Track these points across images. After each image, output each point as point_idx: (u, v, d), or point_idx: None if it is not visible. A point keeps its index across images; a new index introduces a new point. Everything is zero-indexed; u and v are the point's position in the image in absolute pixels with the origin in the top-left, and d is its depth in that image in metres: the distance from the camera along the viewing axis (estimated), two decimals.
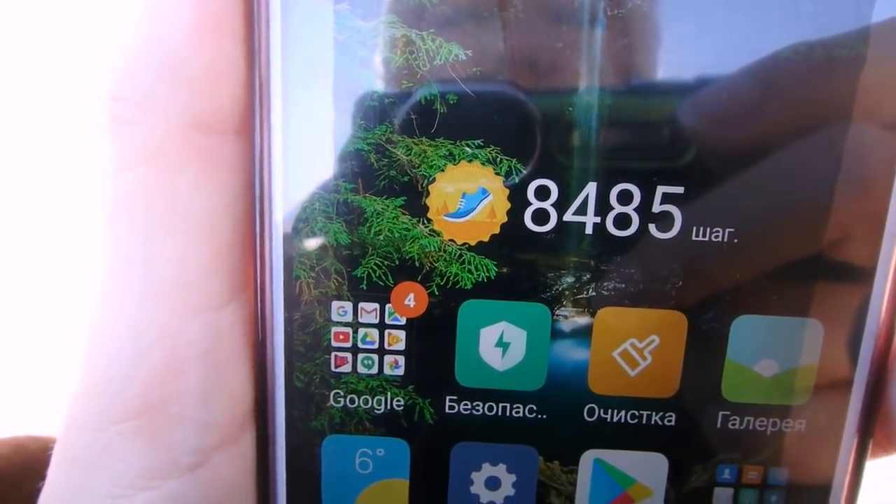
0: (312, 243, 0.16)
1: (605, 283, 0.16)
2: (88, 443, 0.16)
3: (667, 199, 0.16)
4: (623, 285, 0.16)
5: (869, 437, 0.17)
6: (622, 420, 0.17)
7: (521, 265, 0.16)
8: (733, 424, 0.17)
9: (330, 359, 0.17)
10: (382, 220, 0.16)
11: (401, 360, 0.17)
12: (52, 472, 0.16)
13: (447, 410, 0.17)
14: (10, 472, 0.29)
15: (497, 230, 0.16)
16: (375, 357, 0.17)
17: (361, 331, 0.17)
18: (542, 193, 0.16)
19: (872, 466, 0.17)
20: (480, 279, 0.16)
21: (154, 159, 0.15)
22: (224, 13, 0.14)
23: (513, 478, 0.17)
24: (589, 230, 0.16)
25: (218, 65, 0.14)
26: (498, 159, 0.16)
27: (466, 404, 0.17)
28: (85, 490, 0.16)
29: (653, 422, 0.17)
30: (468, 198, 0.16)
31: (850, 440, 0.17)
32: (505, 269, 0.16)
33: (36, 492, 0.17)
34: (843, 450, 0.17)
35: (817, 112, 0.15)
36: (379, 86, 0.15)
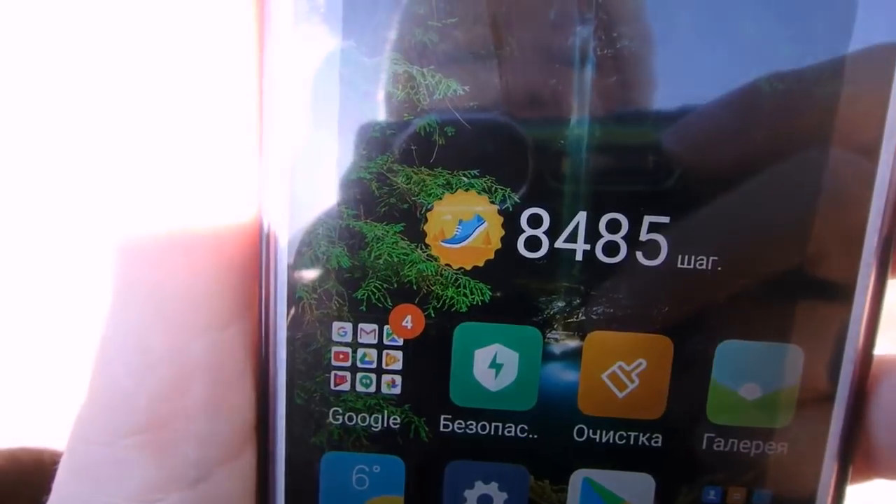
0: (315, 266, 0.17)
1: (594, 308, 0.17)
2: (94, 456, 0.16)
3: (653, 228, 0.16)
4: (612, 310, 0.17)
5: (849, 459, 0.17)
6: (611, 441, 0.18)
7: (514, 290, 0.17)
8: (718, 446, 0.17)
9: (330, 377, 0.17)
10: (382, 245, 0.17)
11: (398, 379, 0.17)
12: (57, 485, 0.17)
13: (442, 429, 0.18)
14: (4, 483, 0.29)
15: (491, 256, 0.17)
16: (373, 376, 0.17)
17: (360, 351, 0.17)
18: (535, 221, 0.17)
19: (854, 490, 0.18)
20: (475, 302, 0.17)
21: (166, 183, 0.15)
22: (237, 49, 0.15)
23: (504, 496, 0.18)
24: (579, 257, 0.17)
25: (229, 95, 0.15)
26: (493, 188, 0.16)
27: (460, 423, 0.18)
28: (90, 501, 0.16)
29: (640, 443, 0.18)
30: (464, 225, 0.17)
31: (831, 463, 0.17)
32: (499, 294, 0.17)
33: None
34: (825, 472, 0.17)
35: (796, 143, 0.16)
36: (381, 118, 0.16)
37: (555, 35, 0.16)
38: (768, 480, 0.18)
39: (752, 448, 0.17)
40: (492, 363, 0.17)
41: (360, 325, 0.17)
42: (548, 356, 0.17)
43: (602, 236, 0.16)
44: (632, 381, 0.17)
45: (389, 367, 0.17)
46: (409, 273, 0.17)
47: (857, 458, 0.17)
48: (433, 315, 0.17)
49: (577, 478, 0.18)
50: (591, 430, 0.17)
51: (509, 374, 0.17)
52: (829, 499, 0.17)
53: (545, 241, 0.17)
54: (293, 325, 0.17)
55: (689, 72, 0.16)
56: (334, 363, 0.17)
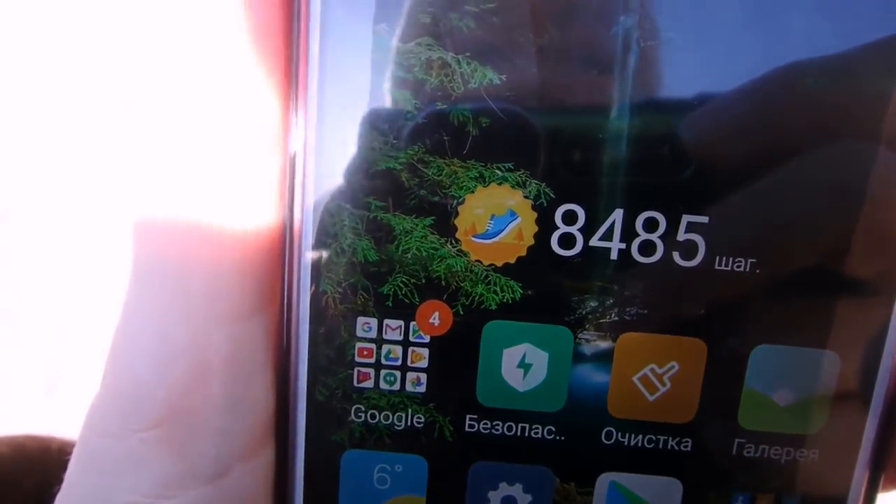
0: (340, 259, 0.16)
1: (627, 309, 0.16)
2: (110, 449, 0.16)
3: (691, 227, 0.16)
4: (645, 311, 0.16)
5: (881, 468, 0.17)
6: (639, 444, 0.17)
7: (545, 288, 0.16)
8: (748, 452, 0.17)
9: (353, 374, 0.17)
10: (411, 238, 0.16)
11: (423, 377, 0.17)
12: (70, 476, 0.16)
13: (467, 429, 0.17)
14: (9, 471, 0.29)
15: (524, 253, 0.16)
16: (398, 374, 0.17)
17: (385, 347, 0.17)
18: (570, 218, 0.16)
19: (884, 499, 0.17)
20: (505, 300, 0.16)
21: (189, 173, 0.15)
22: (265, 32, 0.15)
23: (529, 498, 0.17)
24: (614, 256, 0.16)
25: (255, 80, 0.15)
26: (527, 183, 0.16)
27: (486, 423, 0.17)
28: (105, 496, 0.16)
29: (669, 447, 0.17)
30: (496, 220, 0.16)
31: (862, 471, 0.17)
32: (530, 292, 0.16)
33: (47, 494, 0.17)
34: (856, 480, 0.17)
35: (838, 145, 0.15)
36: (413, 106, 0.15)
37: (597, 24, 0.15)
38: (798, 487, 0.17)
39: (783, 454, 0.17)
40: (520, 363, 0.17)
41: (386, 321, 0.17)
42: (578, 357, 0.17)
43: (638, 235, 0.16)
44: (663, 384, 0.17)
45: (415, 365, 0.17)
46: (438, 268, 0.16)
47: (889, 466, 0.17)
48: (462, 312, 0.16)
49: (604, 481, 0.17)
50: (619, 433, 0.17)
51: (538, 375, 0.17)
52: None
53: (580, 238, 0.16)
54: (316, 320, 0.16)
55: (737, 69, 0.15)
56: (358, 359, 0.17)
